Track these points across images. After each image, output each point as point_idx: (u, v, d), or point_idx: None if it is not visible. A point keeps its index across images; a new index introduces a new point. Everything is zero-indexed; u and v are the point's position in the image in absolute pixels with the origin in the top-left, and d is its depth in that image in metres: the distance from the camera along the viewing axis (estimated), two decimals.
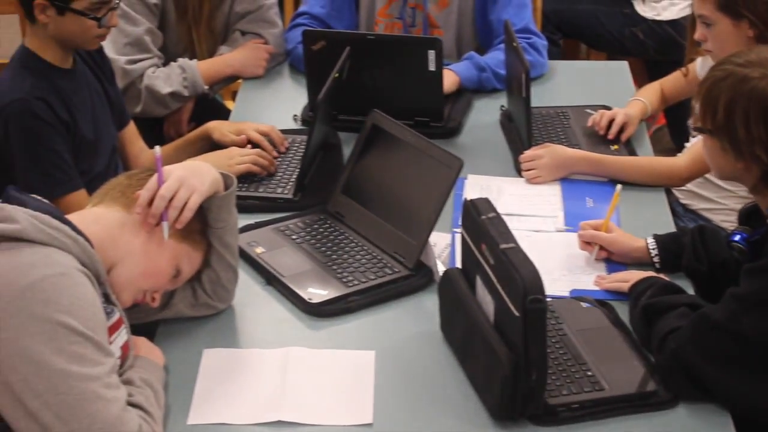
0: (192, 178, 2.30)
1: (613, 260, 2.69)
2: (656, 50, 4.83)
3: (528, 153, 3.09)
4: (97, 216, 2.25)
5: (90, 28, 2.81)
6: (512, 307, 2.06)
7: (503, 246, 2.10)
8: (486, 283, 2.20)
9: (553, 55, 4.08)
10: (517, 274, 2.03)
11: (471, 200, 2.27)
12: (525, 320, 2.03)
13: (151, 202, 2.25)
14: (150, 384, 2.15)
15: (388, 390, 2.27)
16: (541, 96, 3.50)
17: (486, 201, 2.26)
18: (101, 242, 2.17)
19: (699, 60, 3.35)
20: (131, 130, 3.20)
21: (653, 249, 2.64)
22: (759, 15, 2.98)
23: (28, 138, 2.79)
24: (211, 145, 3.20)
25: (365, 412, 2.21)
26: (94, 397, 1.96)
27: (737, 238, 2.42)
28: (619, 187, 2.71)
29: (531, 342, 2.06)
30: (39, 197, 2.20)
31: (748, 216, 2.48)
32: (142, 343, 2.29)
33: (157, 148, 2.33)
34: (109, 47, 3.36)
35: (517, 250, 2.09)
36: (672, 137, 4.99)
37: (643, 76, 4.83)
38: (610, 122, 3.27)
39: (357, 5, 3.80)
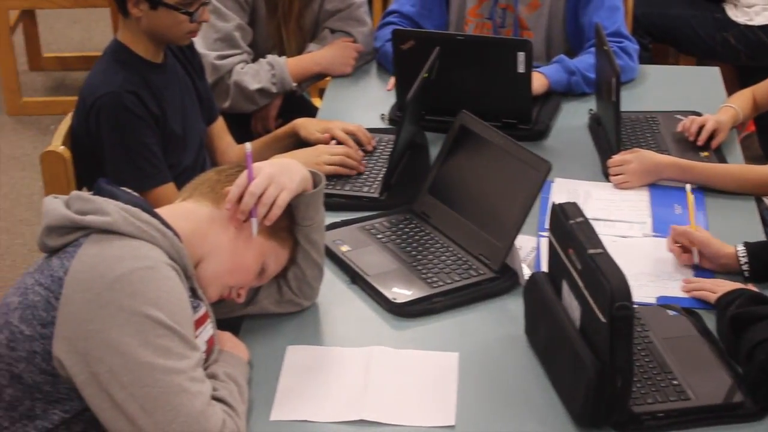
0: (282, 175, 2.31)
1: (701, 267, 2.66)
2: (748, 56, 4.78)
3: (616, 158, 3.06)
4: (186, 210, 2.27)
5: (182, 22, 2.83)
6: (599, 313, 2.04)
7: (591, 251, 2.08)
8: (572, 288, 2.18)
9: (643, 59, 4.04)
10: (604, 280, 2.01)
11: (559, 204, 2.25)
12: (612, 327, 2.01)
13: (240, 199, 2.26)
14: (234, 379, 2.17)
15: (470, 392, 2.26)
16: (631, 100, 3.48)
17: (574, 205, 2.24)
18: (190, 237, 2.19)
19: None
20: (219, 125, 3.23)
21: (743, 257, 2.61)
22: None
23: (119, 131, 2.82)
24: (298, 142, 3.22)
25: (448, 413, 2.20)
26: (179, 391, 1.98)
27: None
28: (687, 186, 2.68)
29: (617, 349, 2.04)
30: (129, 190, 2.22)
31: None
32: (228, 338, 2.31)
33: (248, 144, 2.35)
34: (199, 42, 3.39)
35: (606, 255, 2.07)
36: (761, 144, 4.93)
37: (735, 82, 4.78)
38: (700, 128, 3.23)
39: (447, 4, 3.80)
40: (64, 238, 2.08)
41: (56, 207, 2.12)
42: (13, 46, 5.71)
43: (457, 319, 2.50)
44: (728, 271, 2.63)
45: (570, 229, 2.17)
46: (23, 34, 6.17)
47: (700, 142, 3.21)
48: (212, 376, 2.13)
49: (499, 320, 2.50)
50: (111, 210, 2.07)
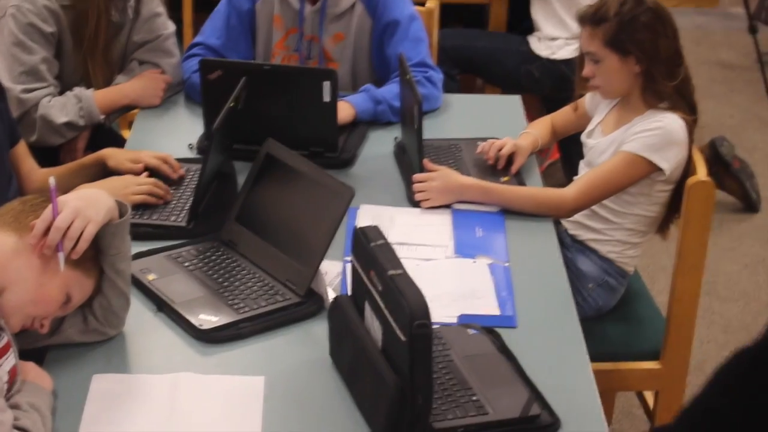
0: (88, 208, 2.30)
1: None
2: (551, 88, 4.92)
3: (421, 175, 3.14)
4: None
5: None
6: (399, 332, 2.09)
7: (391, 272, 2.13)
8: (374, 309, 2.23)
9: (451, 89, 4.14)
10: (403, 300, 2.06)
11: (361, 228, 2.30)
12: (411, 345, 2.06)
13: (46, 233, 2.25)
14: (37, 408, 2.15)
15: (276, 415, 2.29)
16: (435, 128, 3.57)
17: (375, 228, 2.29)
18: None
19: (588, 95, 3.43)
20: (22, 149, 3.16)
21: None
22: (645, 51, 3.08)
23: None
24: (105, 171, 3.20)
25: None
26: None
27: None
28: None
29: (417, 367, 2.08)
30: None
31: None
32: (31, 368, 2.28)
33: (52, 178, 2.33)
34: (4, 76, 3.36)
35: (404, 276, 2.12)
36: (564, 172, 5.09)
37: (541, 111, 4.91)
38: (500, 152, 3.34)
39: (254, 38, 3.83)
40: None
41: None
42: None
43: (263, 343, 2.53)
44: None
45: (371, 251, 2.22)
46: None
47: (499, 165, 3.31)
48: (15, 406, 2.11)
49: (304, 343, 2.53)
50: None
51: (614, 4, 3.10)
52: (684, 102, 3.14)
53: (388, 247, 2.23)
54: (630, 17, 3.08)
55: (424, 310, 2.05)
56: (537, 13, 4.91)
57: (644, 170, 3.09)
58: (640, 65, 3.11)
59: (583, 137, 3.38)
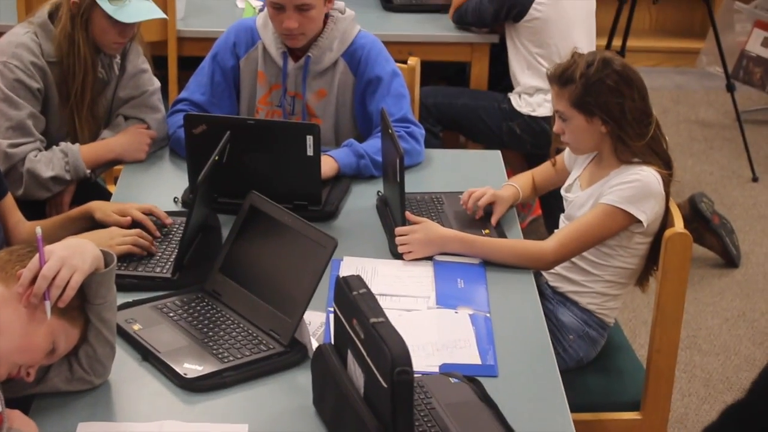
0: (74, 257, 2.34)
1: None
2: (532, 144, 4.96)
3: (403, 228, 3.18)
4: None
5: None
6: (381, 379, 2.12)
7: (373, 320, 2.17)
8: (356, 357, 2.26)
9: (434, 147, 4.18)
10: (385, 347, 2.09)
11: (343, 277, 2.33)
12: (393, 392, 2.09)
13: (33, 282, 2.28)
14: None
15: None
16: (418, 182, 3.61)
17: (358, 278, 2.32)
18: None
19: (566, 150, 3.48)
20: (8, 201, 3.19)
21: None
22: (610, 114, 3.13)
23: None
24: (92, 224, 3.23)
25: None
26: None
27: None
28: None
29: (398, 413, 2.11)
30: None
31: None
32: (16, 416, 2.30)
33: (38, 228, 2.36)
34: None
35: (386, 323, 2.16)
36: (547, 228, 5.13)
37: (523, 167, 4.96)
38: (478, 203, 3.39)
39: (238, 93, 3.88)
40: None
41: None
42: None
43: (247, 392, 2.55)
44: None
45: (353, 300, 2.25)
46: None
47: (477, 216, 3.36)
48: None
49: (288, 392, 2.56)
50: None
51: (581, 64, 3.15)
52: (657, 158, 3.18)
53: (370, 296, 2.26)
54: (595, 80, 3.12)
55: (405, 357, 2.08)
56: (513, 64, 4.96)
57: (622, 222, 3.13)
58: (606, 126, 3.16)
59: (563, 191, 3.43)
